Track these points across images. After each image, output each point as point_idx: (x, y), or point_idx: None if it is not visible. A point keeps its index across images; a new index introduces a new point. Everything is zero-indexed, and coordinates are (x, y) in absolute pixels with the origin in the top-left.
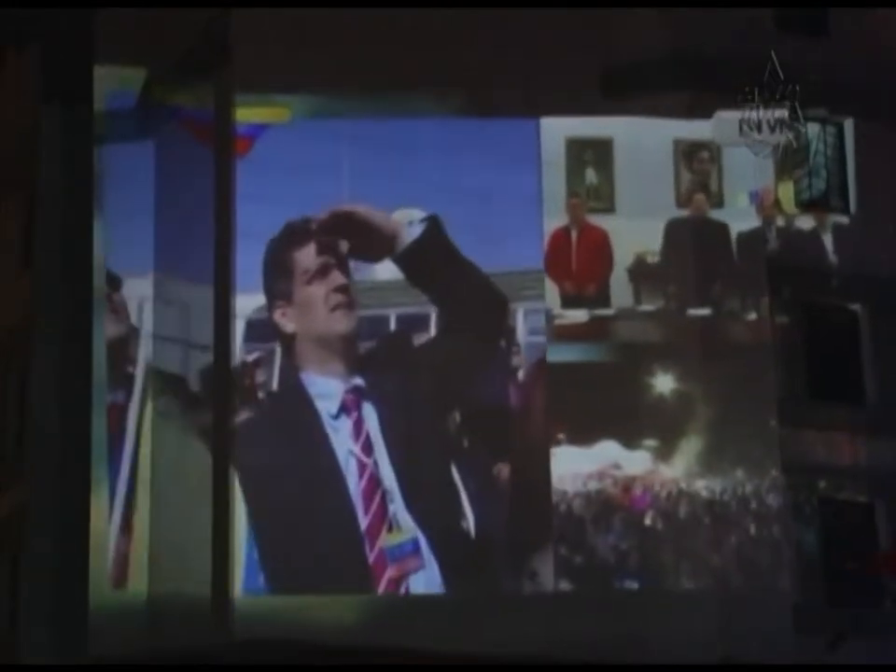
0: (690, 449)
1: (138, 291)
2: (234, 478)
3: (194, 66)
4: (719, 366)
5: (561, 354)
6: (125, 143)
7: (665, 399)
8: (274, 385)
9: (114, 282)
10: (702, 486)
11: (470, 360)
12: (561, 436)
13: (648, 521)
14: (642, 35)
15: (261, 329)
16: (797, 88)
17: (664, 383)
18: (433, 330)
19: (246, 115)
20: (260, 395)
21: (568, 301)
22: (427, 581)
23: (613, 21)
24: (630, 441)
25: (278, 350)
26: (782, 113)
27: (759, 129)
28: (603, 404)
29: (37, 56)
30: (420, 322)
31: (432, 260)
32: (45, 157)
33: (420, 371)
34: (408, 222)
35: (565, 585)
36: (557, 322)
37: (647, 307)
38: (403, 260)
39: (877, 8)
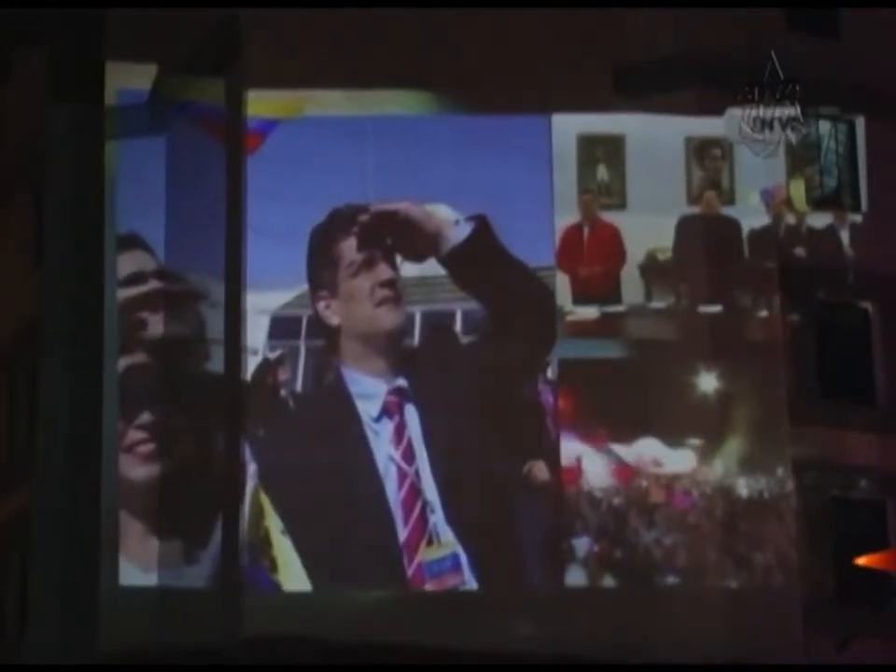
0: (698, 447)
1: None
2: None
3: (205, 62)
4: (729, 363)
5: (572, 350)
6: (136, 139)
7: (674, 395)
8: (299, 384)
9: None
10: (710, 485)
11: (522, 362)
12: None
13: (660, 519)
14: (654, 32)
15: (286, 326)
16: (797, 87)
17: (674, 380)
18: (460, 328)
19: (258, 110)
20: (283, 393)
21: (580, 298)
22: None
23: (625, 17)
24: (636, 436)
25: (303, 347)
26: (792, 111)
27: (770, 127)
28: (610, 401)
29: (46, 55)
30: (447, 320)
31: (482, 261)
32: (53, 156)
33: (468, 374)
34: (453, 221)
35: (578, 582)
36: (568, 318)
37: (658, 304)
38: (451, 261)
39: (888, 8)
